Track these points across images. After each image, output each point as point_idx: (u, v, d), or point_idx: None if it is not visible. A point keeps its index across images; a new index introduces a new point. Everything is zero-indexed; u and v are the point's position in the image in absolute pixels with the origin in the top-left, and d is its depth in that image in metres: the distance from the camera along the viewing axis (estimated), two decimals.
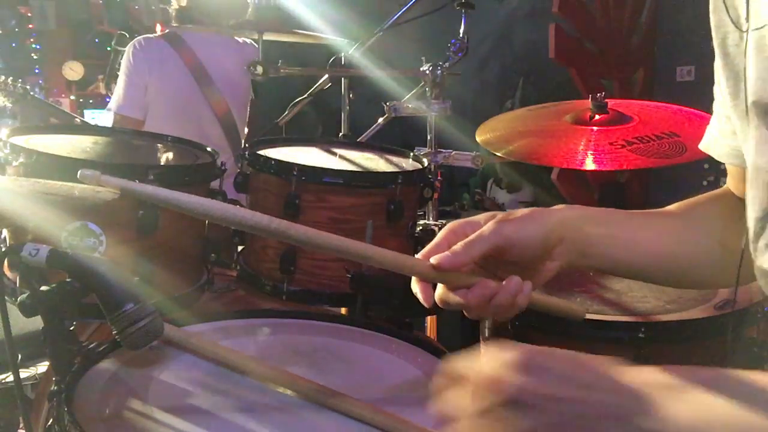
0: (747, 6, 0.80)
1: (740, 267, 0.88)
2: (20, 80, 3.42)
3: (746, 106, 0.81)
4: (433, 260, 0.89)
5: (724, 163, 1.00)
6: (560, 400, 0.63)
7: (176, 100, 2.85)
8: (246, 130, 3.03)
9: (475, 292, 0.89)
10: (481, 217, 0.94)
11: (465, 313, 0.93)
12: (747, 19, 0.79)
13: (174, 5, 2.97)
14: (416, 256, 0.95)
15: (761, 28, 0.77)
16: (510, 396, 0.64)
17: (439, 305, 0.93)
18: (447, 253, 0.89)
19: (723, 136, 0.96)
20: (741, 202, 0.91)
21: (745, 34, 0.80)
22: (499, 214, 0.93)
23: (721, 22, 0.88)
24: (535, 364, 0.67)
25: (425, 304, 0.93)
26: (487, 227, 0.90)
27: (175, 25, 2.94)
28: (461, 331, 1.64)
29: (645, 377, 0.65)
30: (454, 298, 0.90)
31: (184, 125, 2.78)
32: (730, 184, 1.02)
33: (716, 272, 0.99)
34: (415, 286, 0.94)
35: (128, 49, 2.88)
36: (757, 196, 0.81)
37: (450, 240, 0.92)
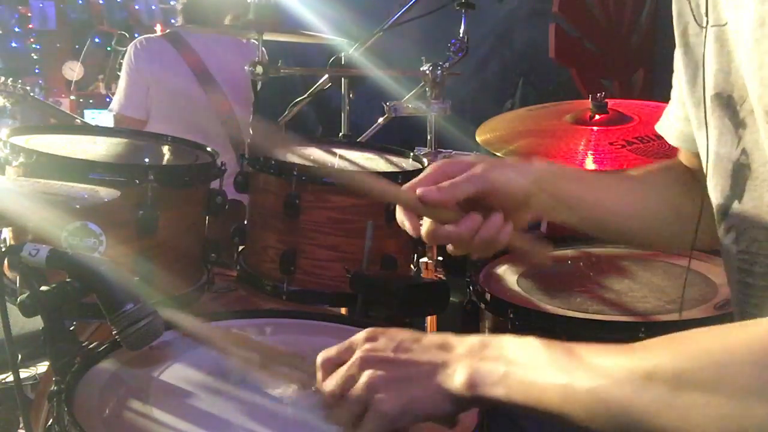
0: (707, 2, 0.83)
1: (696, 233, 0.96)
2: (20, 81, 3.42)
3: (704, 96, 0.85)
4: (419, 192, 0.93)
5: None
6: (390, 361, 0.78)
7: (178, 100, 2.85)
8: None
9: (463, 224, 0.93)
10: (470, 157, 0.98)
11: (450, 249, 0.99)
12: (707, 14, 0.82)
13: (178, 4, 2.97)
14: (402, 187, 0.99)
15: (723, 26, 0.81)
16: (356, 361, 0.79)
17: (426, 239, 0.98)
18: (434, 188, 0.92)
19: (677, 120, 1.03)
20: (690, 172, 1.04)
21: (704, 29, 0.82)
22: (488, 158, 0.99)
23: (682, 11, 0.93)
24: (374, 336, 0.82)
25: (412, 234, 0.98)
26: (475, 170, 0.94)
27: (178, 24, 2.94)
28: (461, 332, 1.63)
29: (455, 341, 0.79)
30: (443, 230, 0.95)
31: (187, 125, 2.77)
32: (681, 158, 1.10)
33: (671, 236, 1.07)
34: (401, 215, 0.99)
35: (130, 49, 2.88)
36: (719, 183, 0.86)
37: (437, 177, 0.95)
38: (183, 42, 2.87)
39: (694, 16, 0.88)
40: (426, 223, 0.97)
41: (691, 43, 0.92)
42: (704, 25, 0.84)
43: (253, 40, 2.90)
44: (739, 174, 0.81)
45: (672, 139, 1.06)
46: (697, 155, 0.93)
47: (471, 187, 0.93)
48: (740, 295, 0.85)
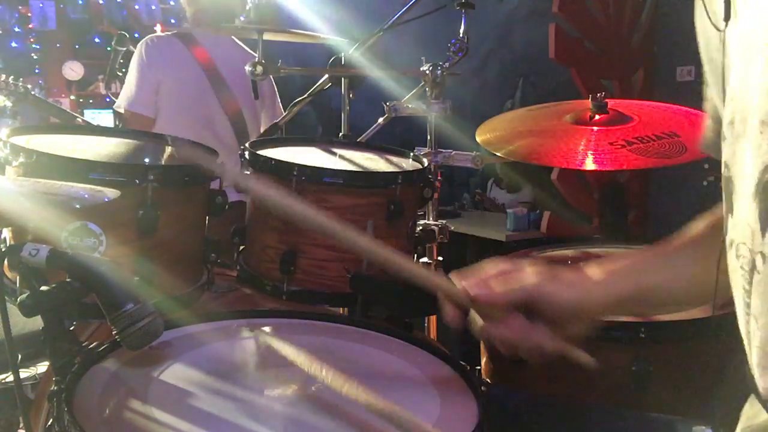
0: (726, 6, 0.82)
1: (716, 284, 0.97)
2: (21, 79, 3.41)
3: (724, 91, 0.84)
4: (473, 293, 0.98)
5: None
6: None
7: (189, 99, 2.82)
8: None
9: (511, 327, 0.98)
10: (528, 264, 1.01)
11: (500, 348, 1.01)
12: (725, 19, 0.81)
13: (188, 6, 2.93)
14: (450, 275, 1.02)
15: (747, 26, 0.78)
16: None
17: (476, 335, 1.01)
18: (487, 292, 0.98)
19: (711, 132, 1.01)
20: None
21: (722, 34, 0.81)
22: (543, 268, 1.01)
23: (703, 27, 0.90)
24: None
25: (451, 326, 1.01)
26: (530, 280, 0.98)
27: (186, 25, 2.91)
28: (461, 332, 1.63)
29: None
30: (494, 330, 0.99)
31: (195, 125, 2.76)
32: None
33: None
34: (446, 306, 1.01)
35: (140, 46, 2.82)
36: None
37: (490, 276, 0.99)
38: (194, 41, 2.83)
39: (711, 22, 0.86)
40: (476, 320, 1.01)
41: (714, 58, 0.89)
42: (722, 29, 0.83)
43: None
44: (727, 189, 0.81)
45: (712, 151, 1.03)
46: None
47: (523, 297, 0.97)
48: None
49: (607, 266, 1.02)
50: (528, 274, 0.99)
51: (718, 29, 0.82)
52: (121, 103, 2.83)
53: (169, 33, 2.95)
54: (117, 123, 3.24)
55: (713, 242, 0.96)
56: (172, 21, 7.11)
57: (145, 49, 2.80)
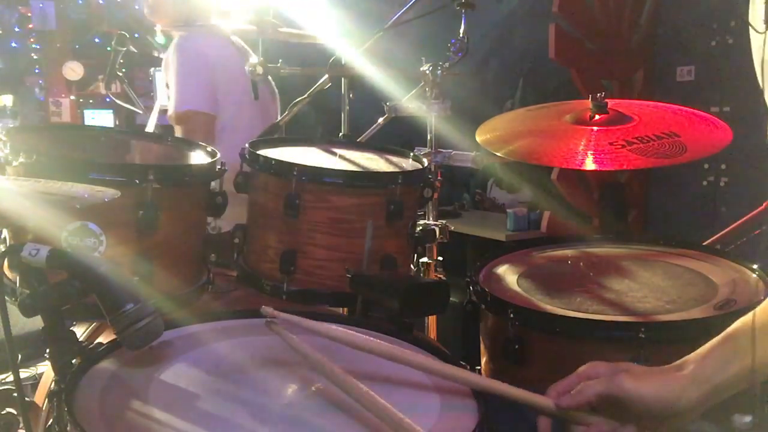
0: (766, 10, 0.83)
1: None
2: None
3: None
4: (554, 402, 1.02)
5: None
6: None
7: (245, 93, 2.52)
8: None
9: (593, 430, 1.01)
10: (621, 365, 1.03)
11: None
12: (765, 21, 0.82)
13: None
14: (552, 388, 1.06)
15: None
16: None
17: None
18: (567, 395, 1.02)
19: None
20: None
21: (765, 35, 0.82)
22: (634, 367, 1.03)
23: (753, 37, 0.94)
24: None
25: None
26: (608, 375, 1.01)
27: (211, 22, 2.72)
28: (461, 332, 1.64)
29: None
30: None
31: (254, 119, 2.64)
32: None
33: None
34: (541, 422, 1.05)
35: (183, 44, 2.59)
36: None
37: (578, 379, 1.04)
38: (224, 33, 2.64)
39: (752, 27, 0.88)
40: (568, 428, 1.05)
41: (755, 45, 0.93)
42: (763, 30, 0.84)
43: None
44: None
45: None
46: None
47: (599, 388, 1.00)
48: None
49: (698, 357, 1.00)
50: (616, 370, 1.01)
51: (757, 31, 0.83)
52: (177, 106, 2.56)
53: (212, 27, 2.69)
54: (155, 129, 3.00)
55: None
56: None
57: (191, 45, 2.59)
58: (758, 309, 0.99)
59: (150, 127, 3.01)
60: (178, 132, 2.59)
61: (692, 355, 1.00)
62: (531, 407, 1.05)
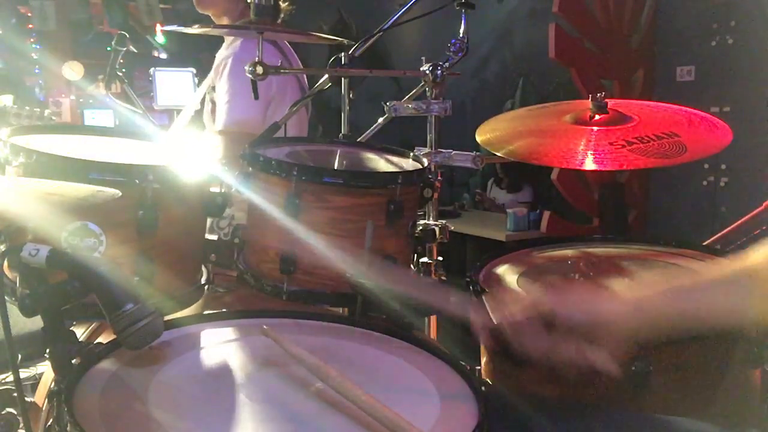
0: None
1: None
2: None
3: None
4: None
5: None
6: None
7: (286, 106, 2.44)
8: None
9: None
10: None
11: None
12: None
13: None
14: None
15: None
16: None
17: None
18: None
19: None
20: None
21: None
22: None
23: None
24: None
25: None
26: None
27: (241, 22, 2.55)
28: (461, 331, 1.64)
29: None
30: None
31: (291, 131, 2.57)
32: None
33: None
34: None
35: (247, 56, 2.22)
36: None
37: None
38: (281, 50, 2.64)
39: None
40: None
41: None
42: None
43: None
44: None
45: None
46: None
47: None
48: None
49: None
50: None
51: None
52: (226, 122, 2.51)
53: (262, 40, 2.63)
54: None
55: None
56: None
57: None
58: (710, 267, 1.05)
59: (180, 127, 2.97)
60: (219, 144, 2.53)
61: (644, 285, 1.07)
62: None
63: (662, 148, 1.65)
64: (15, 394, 1.22)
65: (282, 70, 1.96)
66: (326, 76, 2.13)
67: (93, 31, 7.19)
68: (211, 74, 2.70)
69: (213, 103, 2.65)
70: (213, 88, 2.65)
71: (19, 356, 1.20)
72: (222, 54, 2.69)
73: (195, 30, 2.76)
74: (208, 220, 1.63)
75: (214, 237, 1.66)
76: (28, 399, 1.51)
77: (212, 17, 2.81)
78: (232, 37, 2.69)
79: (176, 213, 1.44)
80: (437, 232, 1.90)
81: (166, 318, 1.15)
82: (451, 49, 1.95)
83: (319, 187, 1.54)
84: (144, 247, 1.37)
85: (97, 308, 0.97)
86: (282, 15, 2.74)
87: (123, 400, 0.98)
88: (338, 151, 1.86)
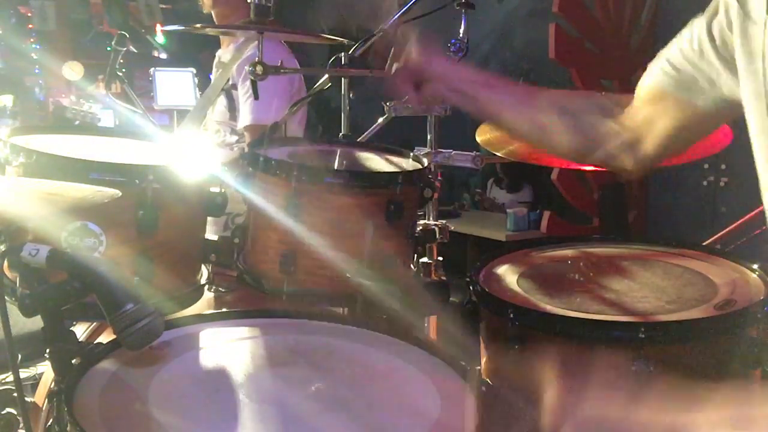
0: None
1: None
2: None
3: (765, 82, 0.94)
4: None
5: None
6: None
7: (292, 102, 2.58)
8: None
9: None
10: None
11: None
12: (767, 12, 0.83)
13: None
14: None
15: None
16: None
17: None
18: None
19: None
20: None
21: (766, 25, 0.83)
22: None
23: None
24: None
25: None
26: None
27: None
28: (461, 331, 1.64)
29: None
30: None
31: (298, 128, 2.71)
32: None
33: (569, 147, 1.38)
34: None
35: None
36: None
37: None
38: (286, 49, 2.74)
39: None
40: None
41: (750, 34, 0.94)
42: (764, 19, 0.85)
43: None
44: None
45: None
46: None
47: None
48: None
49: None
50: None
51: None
52: (254, 119, 2.67)
53: (277, 39, 2.69)
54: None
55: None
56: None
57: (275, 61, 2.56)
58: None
59: (211, 125, 3.00)
60: (245, 138, 2.71)
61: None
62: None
63: None
64: (15, 394, 1.22)
65: (282, 70, 1.96)
66: (326, 76, 2.12)
67: (93, 31, 7.19)
68: (235, 73, 2.78)
69: (231, 98, 2.80)
70: (234, 86, 2.78)
71: (19, 356, 1.20)
72: (239, 54, 2.71)
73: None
74: (222, 218, 1.65)
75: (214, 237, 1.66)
76: (28, 399, 1.51)
77: (216, 17, 2.85)
78: (243, 38, 2.74)
79: (176, 213, 1.44)
80: (437, 232, 1.90)
81: (166, 318, 1.15)
82: (451, 49, 1.95)
83: (319, 187, 1.54)
84: (144, 247, 1.37)
85: (97, 308, 0.97)
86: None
87: (123, 400, 0.98)
88: (338, 151, 1.87)
